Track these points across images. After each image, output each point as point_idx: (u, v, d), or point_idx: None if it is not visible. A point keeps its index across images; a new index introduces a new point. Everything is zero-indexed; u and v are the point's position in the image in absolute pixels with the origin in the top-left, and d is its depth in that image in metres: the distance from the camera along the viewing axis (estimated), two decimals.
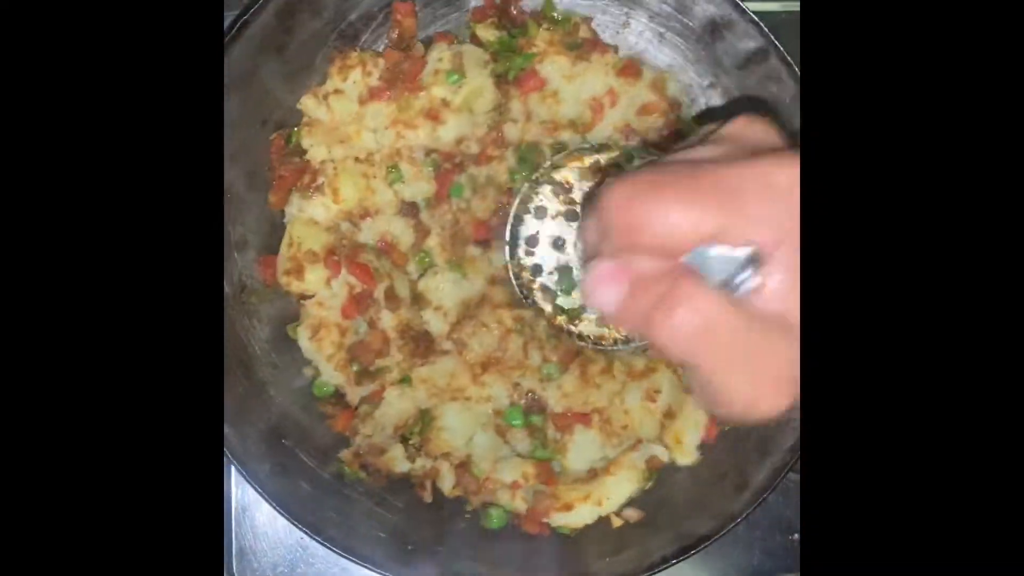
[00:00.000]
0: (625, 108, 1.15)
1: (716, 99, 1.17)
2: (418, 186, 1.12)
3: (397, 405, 1.09)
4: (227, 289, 1.07)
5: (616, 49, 1.17)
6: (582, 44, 1.15)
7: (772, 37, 1.07)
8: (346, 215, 1.11)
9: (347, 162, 1.11)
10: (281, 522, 1.17)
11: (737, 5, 1.08)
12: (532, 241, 0.96)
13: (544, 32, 1.14)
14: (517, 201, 0.96)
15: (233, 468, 1.01)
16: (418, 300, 1.11)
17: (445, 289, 1.11)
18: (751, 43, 1.10)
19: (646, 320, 0.58)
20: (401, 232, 1.12)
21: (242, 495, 1.18)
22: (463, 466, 1.10)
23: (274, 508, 0.98)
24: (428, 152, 1.12)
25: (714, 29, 1.12)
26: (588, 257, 0.64)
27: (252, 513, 1.18)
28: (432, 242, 1.12)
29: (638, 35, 1.17)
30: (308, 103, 1.11)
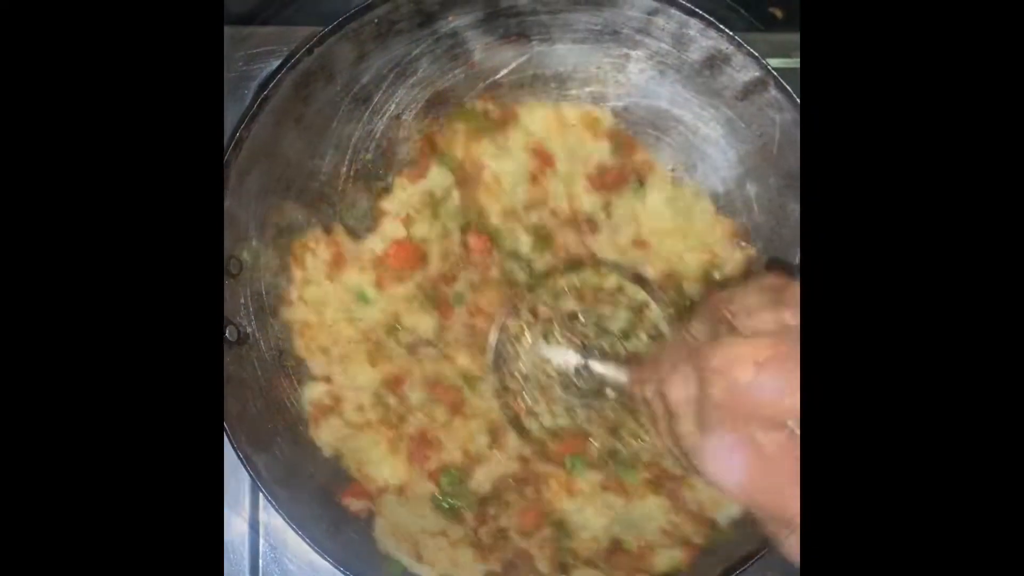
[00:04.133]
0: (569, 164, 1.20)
1: (719, 128, 1.21)
2: (423, 321, 1.16)
3: None
4: (267, 355, 1.10)
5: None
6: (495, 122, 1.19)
7: (770, 68, 1.12)
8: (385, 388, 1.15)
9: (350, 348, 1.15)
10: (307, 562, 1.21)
11: (733, 39, 1.12)
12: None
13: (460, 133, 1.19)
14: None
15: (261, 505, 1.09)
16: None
17: None
18: (750, 74, 1.14)
19: (779, 495, 0.62)
20: (441, 366, 1.17)
21: (268, 540, 1.21)
22: (613, 551, 1.13)
23: (336, 568, 1.01)
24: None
25: (713, 63, 1.16)
26: (681, 418, 0.69)
27: (280, 554, 1.22)
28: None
29: (638, 73, 1.21)
30: (299, 345, 1.15)
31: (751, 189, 1.21)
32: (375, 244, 1.16)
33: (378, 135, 1.19)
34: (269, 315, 1.12)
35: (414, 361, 1.15)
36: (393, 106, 1.18)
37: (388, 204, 1.18)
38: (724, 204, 1.22)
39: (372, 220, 1.17)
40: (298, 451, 1.09)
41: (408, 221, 1.16)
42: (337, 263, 1.15)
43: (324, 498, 1.08)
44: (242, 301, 1.08)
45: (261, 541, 1.23)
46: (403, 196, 1.18)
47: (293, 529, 1.02)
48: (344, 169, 1.18)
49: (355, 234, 1.17)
